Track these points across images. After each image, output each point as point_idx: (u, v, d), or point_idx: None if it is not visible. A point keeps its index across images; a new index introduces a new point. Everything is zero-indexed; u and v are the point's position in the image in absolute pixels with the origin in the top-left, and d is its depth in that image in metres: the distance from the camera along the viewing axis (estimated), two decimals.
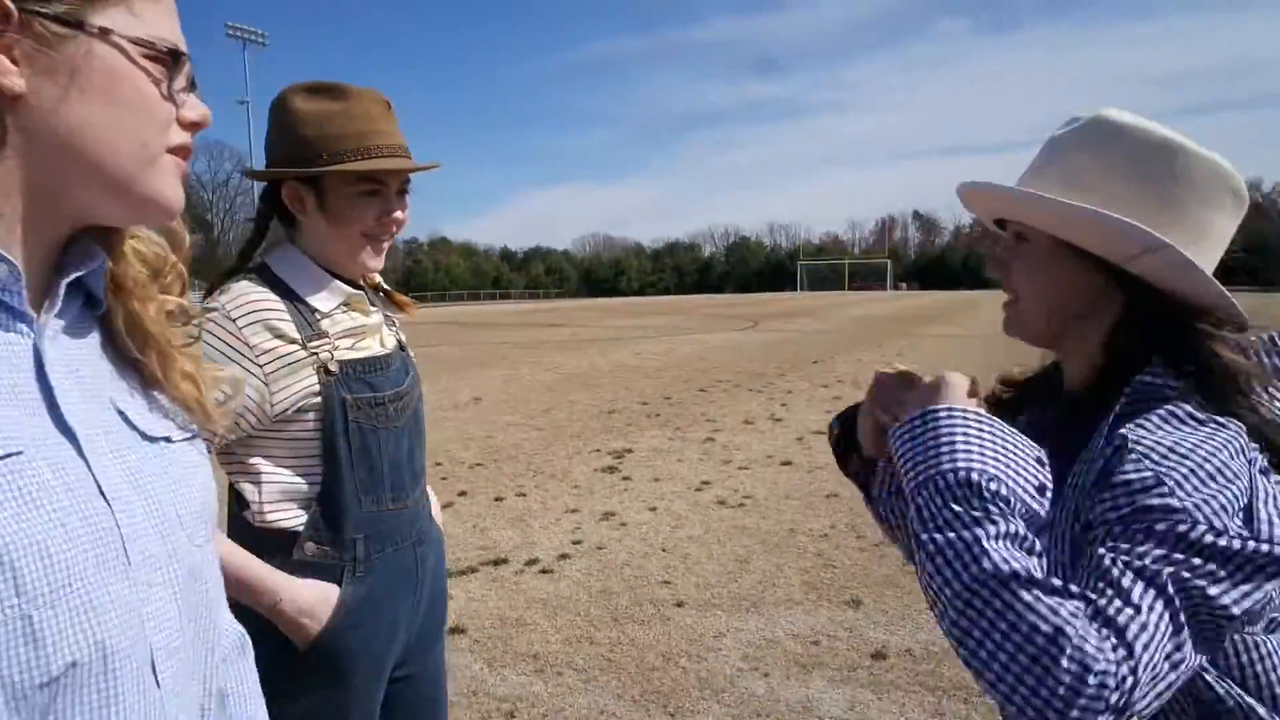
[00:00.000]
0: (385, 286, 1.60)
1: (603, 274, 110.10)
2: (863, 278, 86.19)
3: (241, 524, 1.34)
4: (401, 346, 1.53)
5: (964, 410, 0.91)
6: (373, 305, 1.48)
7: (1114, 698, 0.74)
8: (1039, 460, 0.89)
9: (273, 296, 1.33)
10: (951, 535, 0.82)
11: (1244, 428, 0.87)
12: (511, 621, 3.95)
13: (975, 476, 0.84)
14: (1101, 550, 0.82)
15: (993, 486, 0.84)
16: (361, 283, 1.49)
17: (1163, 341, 0.94)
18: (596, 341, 22.27)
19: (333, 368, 1.33)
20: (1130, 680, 0.74)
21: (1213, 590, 0.78)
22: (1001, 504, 0.83)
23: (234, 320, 1.27)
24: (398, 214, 1.40)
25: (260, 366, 1.28)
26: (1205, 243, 0.94)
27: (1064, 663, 0.74)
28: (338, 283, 1.41)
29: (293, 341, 1.31)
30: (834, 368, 14.24)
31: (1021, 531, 0.82)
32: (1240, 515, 0.80)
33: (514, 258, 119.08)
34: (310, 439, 1.34)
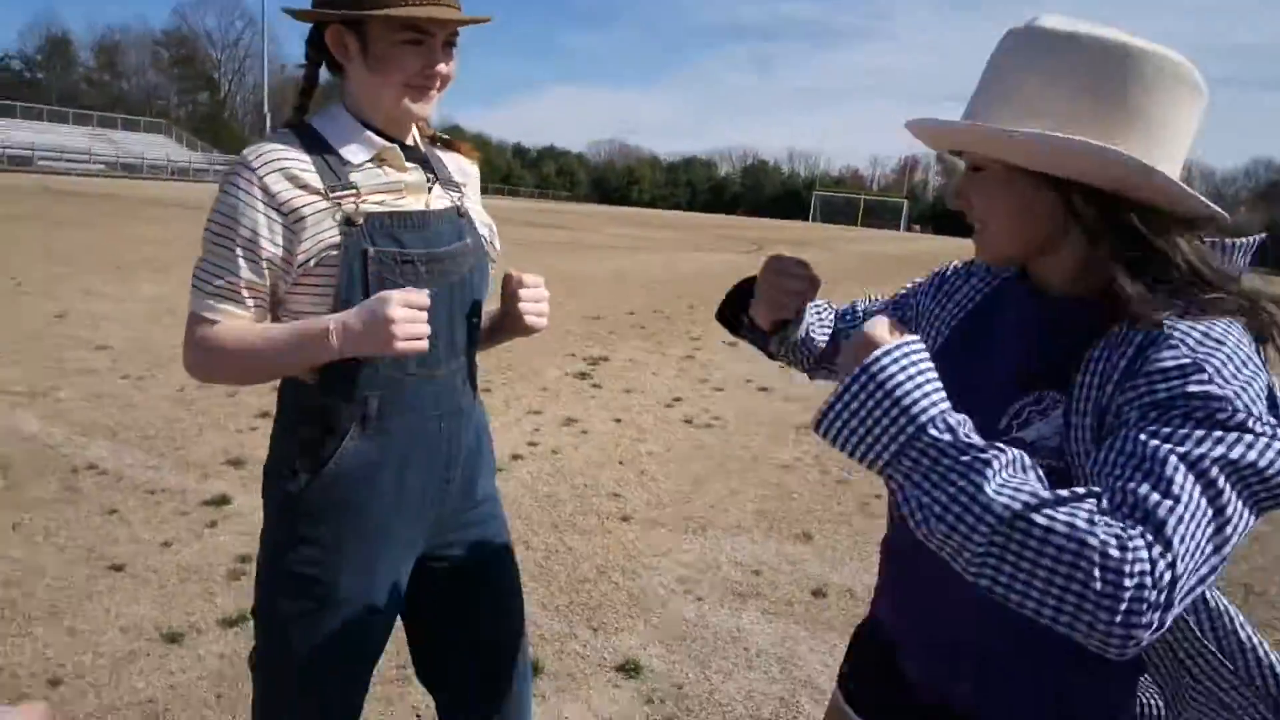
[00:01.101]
0: (444, 136, 1.54)
1: (615, 181, 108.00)
2: (878, 215, 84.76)
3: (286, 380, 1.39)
4: (459, 211, 1.45)
5: (899, 349, 0.85)
6: (412, 162, 1.40)
7: (1154, 595, 0.71)
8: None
9: (298, 148, 1.30)
10: (952, 491, 0.78)
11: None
12: None
13: (946, 421, 0.81)
14: (1139, 435, 0.79)
15: (966, 425, 0.82)
16: (414, 140, 1.43)
17: (1136, 248, 0.89)
18: (596, 248, 21.90)
19: (357, 219, 1.29)
20: (1169, 575, 0.71)
21: (1252, 474, 0.75)
22: (977, 435, 0.81)
23: (254, 170, 1.25)
24: (441, 66, 1.32)
25: (281, 215, 1.26)
26: (1167, 144, 0.89)
27: (1096, 576, 0.71)
28: (372, 135, 1.35)
29: (315, 191, 1.28)
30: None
31: (1009, 454, 0.79)
32: (1267, 403, 0.79)
33: (526, 154, 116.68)
34: (329, 293, 1.30)
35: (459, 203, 1.46)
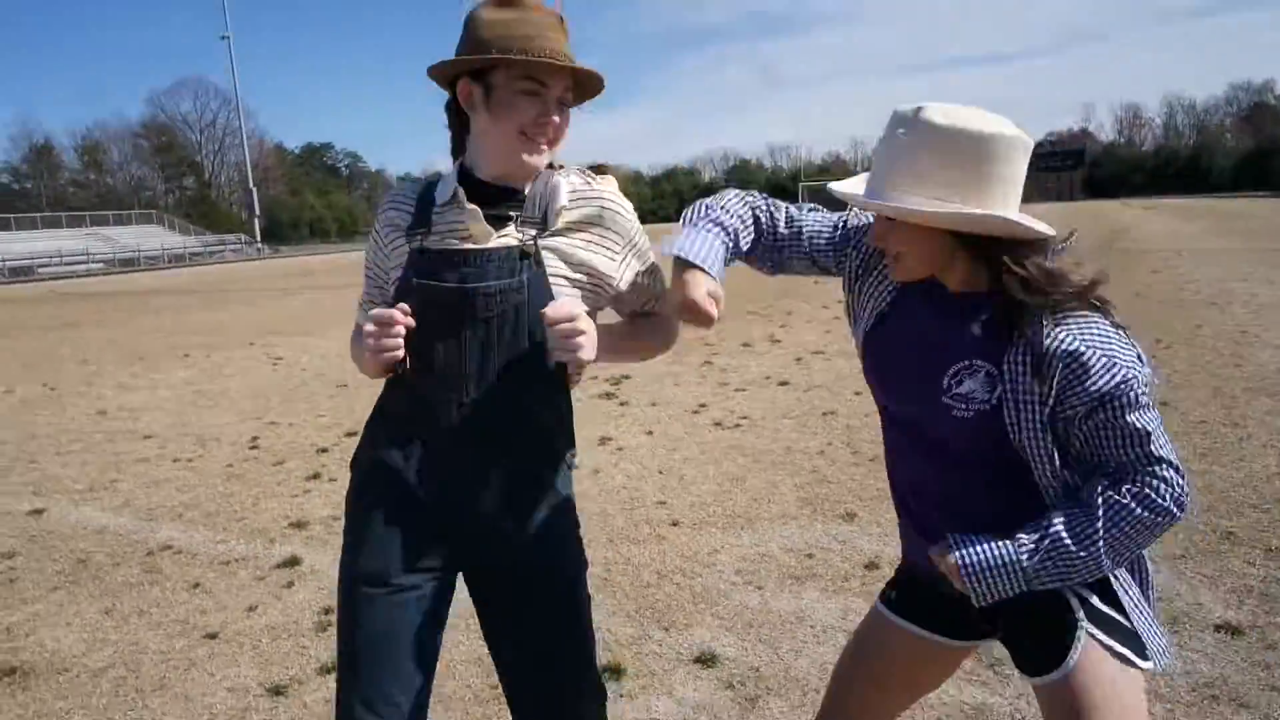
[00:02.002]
0: (591, 170, 1.63)
1: None
2: None
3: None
4: (522, 252, 1.49)
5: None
6: (504, 203, 1.51)
7: (1179, 493, 1.27)
8: None
9: (410, 195, 1.57)
10: (1074, 566, 1.31)
11: None
12: None
13: (1038, 548, 1.32)
14: (1128, 417, 1.25)
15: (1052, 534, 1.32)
16: (513, 184, 1.53)
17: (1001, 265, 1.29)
18: None
19: (417, 255, 1.51)
20: (1175, 474, 1.27)
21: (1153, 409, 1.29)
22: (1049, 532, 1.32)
23: (377, 212, 1.63)
24: (555, 118, 1.46)
25: (383, 249, 1.59)
26: (1012, 195, 1.29)
27: (1158, 522, 1.27)
28: (453, 181, 1.51)
29: (401, 230, 1.54)
30: (835, 288, 14.08)
31: (1057, 521, 1.30)
32: (1138, 358, 1.28)
33: None
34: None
35: (526, 242, 1.50)
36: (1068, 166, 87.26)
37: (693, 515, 4.26)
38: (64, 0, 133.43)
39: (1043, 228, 1.27)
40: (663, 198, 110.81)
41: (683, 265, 1.40)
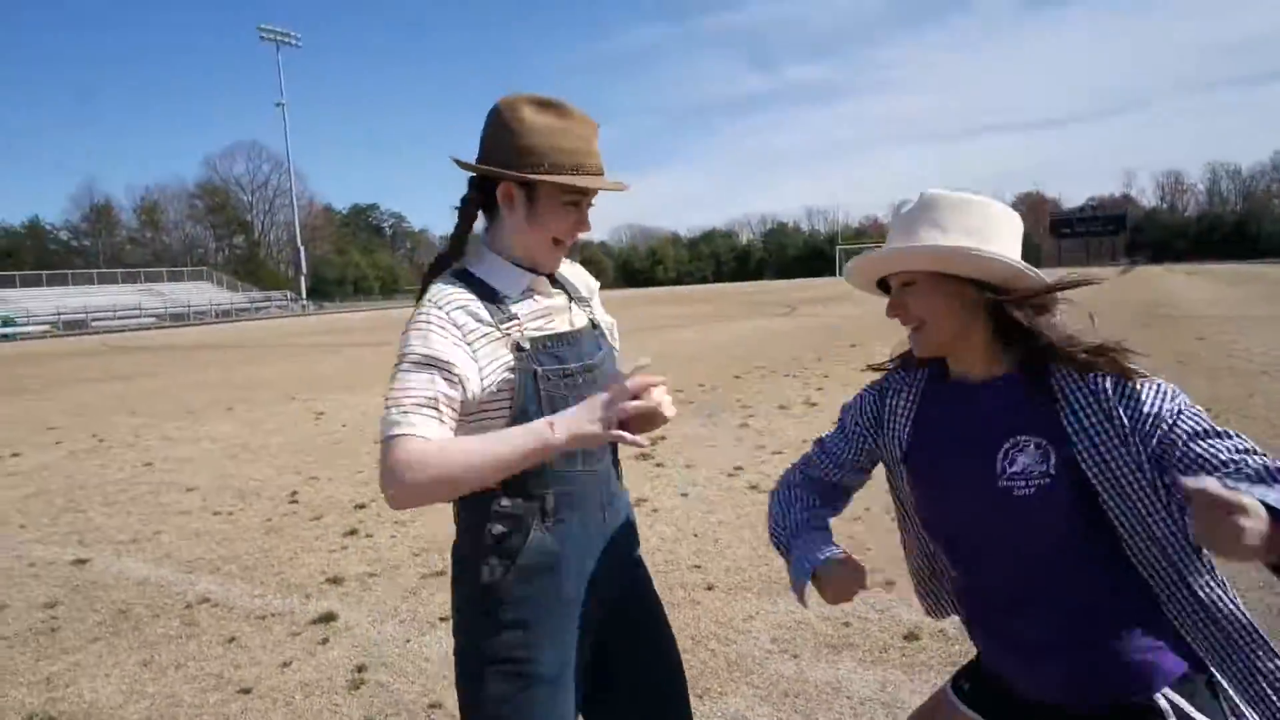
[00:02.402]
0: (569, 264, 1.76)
1: (639, 264, 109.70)
2: None
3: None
4: (594, 325, 1.68)
5: None
6: (556, 288, 1.63)
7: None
8: None
9: (469, 290, 1.51)
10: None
11: None
12: None
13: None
14: (1197, 439, 1.24)
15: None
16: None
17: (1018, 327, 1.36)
18: (632, 332, 22.28)
19: (524, 345, 1.50)
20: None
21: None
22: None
23: (442, 308, 1.45)
24: (587, 225, 1.58)
25: (469, 345, 1.45)
26: (1017, 250, 1.39)
27: None
28: (522, 271, 1.56)
29: (489, 324, 1.48)
30: (870, 351, 14.07)
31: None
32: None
33: None
34: (506, 409, 1.49)
35: (591, 316, 1.70)
36: (1109, 231, 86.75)
37: (728, 580, 4.22)
38: (131, 66, 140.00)
39: (1050, 282, 1.35)
40: (700, 259, 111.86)
41: (816, 576, 1.46)
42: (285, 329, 35.35)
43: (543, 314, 1.57)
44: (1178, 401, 1.27)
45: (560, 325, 1.59)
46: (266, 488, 6.61)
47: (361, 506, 5.88)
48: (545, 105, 1.49)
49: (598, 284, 1.81)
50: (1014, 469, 1.33)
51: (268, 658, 3.58)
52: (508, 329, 1.50)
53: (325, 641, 3.70)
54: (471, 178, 1.56)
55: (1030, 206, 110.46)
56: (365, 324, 35.00)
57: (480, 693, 1.51)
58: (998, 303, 1.34)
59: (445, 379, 1.40)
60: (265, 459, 7.74)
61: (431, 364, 1.40)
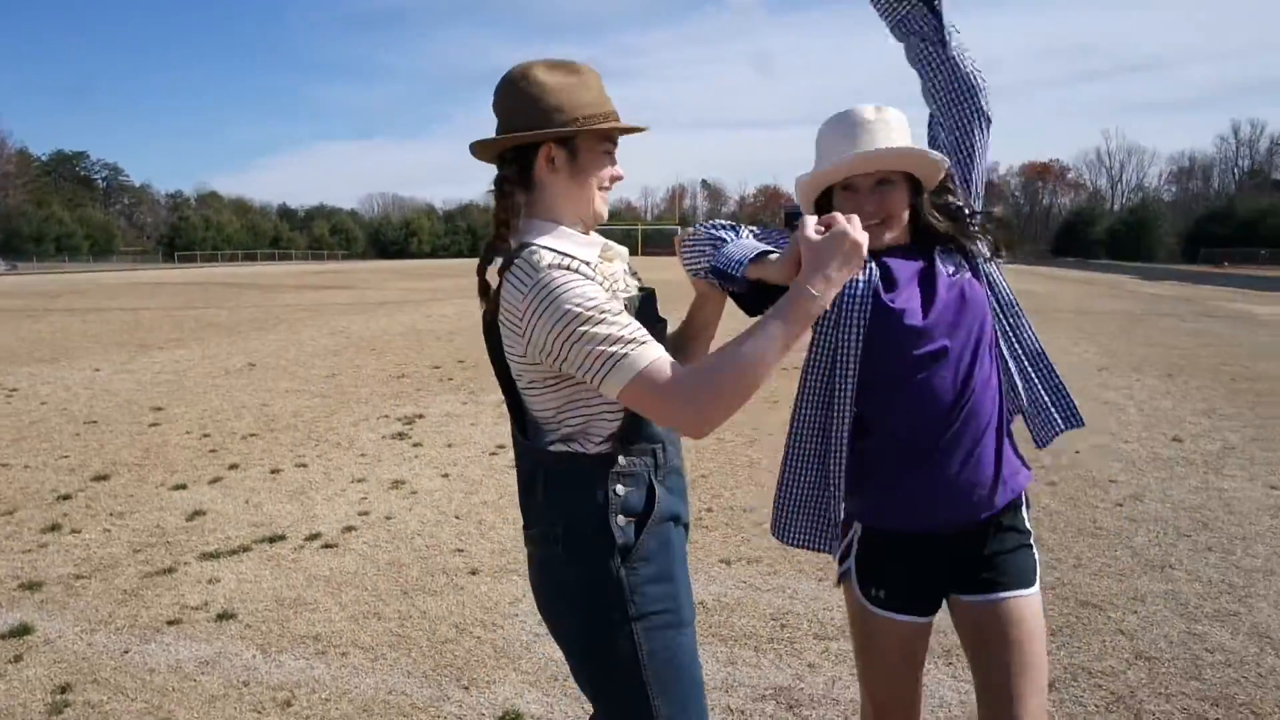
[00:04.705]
0: None
1: (392, 235, 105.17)
2: (656, 242, 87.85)
3: (565, 457, 1.50)
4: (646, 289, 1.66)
5: None
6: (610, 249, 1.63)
7: None
8: None
9: (581, 262, 1.46)
10: None
11: None
12: (289, 602, 3.65)
13: None
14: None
15: None
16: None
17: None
18: (385, 305, 21.33)
19: (630, 307, 1.50)
20: None
21: None
22: None
23: (569, 269, 1.40)
24: (620, 170, 1.60)
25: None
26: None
27: None
28: (588, 237, 1.57)
29: (604, 287, 1.45)
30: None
31: None
32: None
33: (294, 216, 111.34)
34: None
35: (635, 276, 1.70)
36: None
37: (493, 562, 4.10)
38: None
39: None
40: (457, 233, 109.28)
41: (757, 261, 1.56)
42: None
43: (617, 277, 1.58)
44: (996, 269, 1.75)
45: (633, 287, 1.61)
46: None
47: (66, 498, 5.09)
48: (555, 65, 1.51)
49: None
50: (955, 278, 1.67)
51: None
52: (610, 291, 1.48)
53: (18, 659, 3.15)
54: (501, 157, 1.54)
55: (768, 198, 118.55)
56: (70, 288, 30.70)
57: (636, 647, 1.48)
58: (918, 202, 1.67)
59: (627, 318, 1.39)
60: None
61: (608, 311, 1.37)
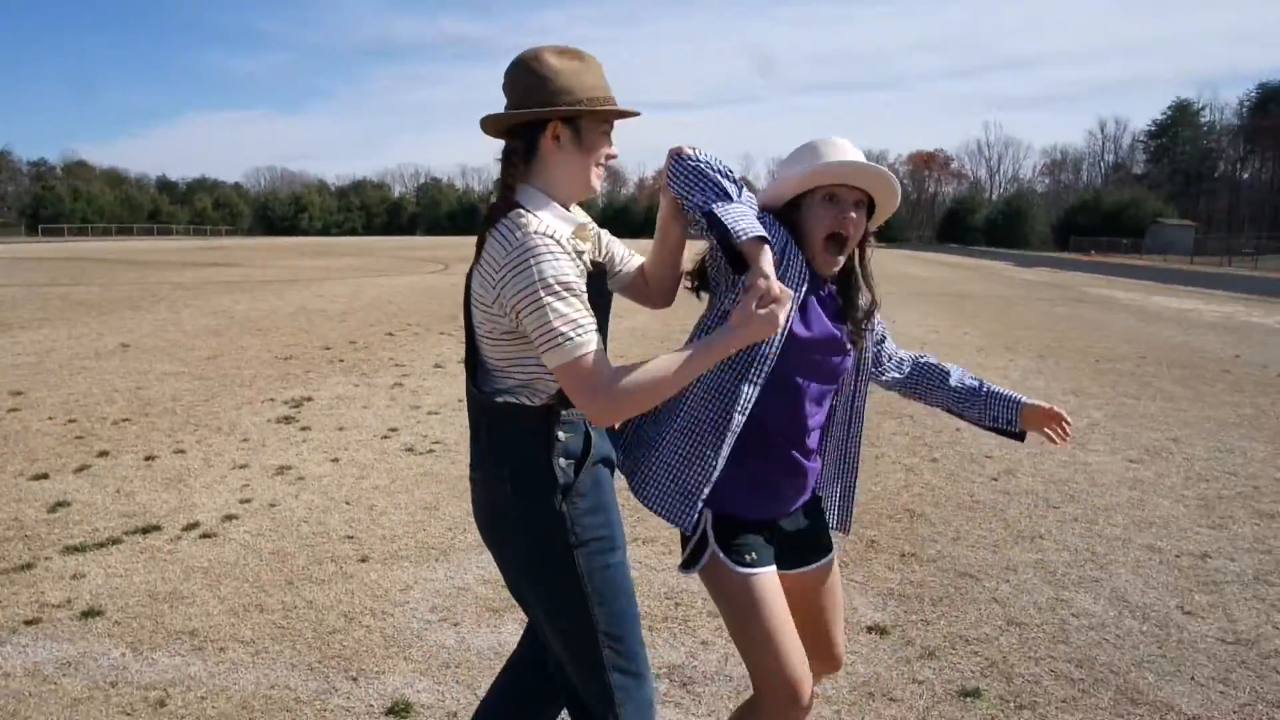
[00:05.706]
0: None
1: (281, 211, 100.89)
2: None
3: (510, 407, 1.68)
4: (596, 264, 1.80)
5: None
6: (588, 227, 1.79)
7: None
8: None
9: (558, 235, 1.60)
10: None
11: None
12: (163, 596, 3.46)
13: None
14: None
15: None
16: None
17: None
18: (272, 283, 20.50)
19: (592, 272, 1.68)
20: None
21: None
22: None
23: (554, 239, 1.57)
24: (615, 149, 1.76)
25: (579, 270, 1.62)
26: None
27: None
28: (575, 212, 1.75)
29: (575, 255, 1.62)
30: None
31: None
32: None
33: (175, 189, 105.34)
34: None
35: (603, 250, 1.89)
36: None
37: (383, 549, 3.99)
38: None
39: None
40: (349, 210, 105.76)
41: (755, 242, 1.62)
42: None
43: (582, 253, 1.69)
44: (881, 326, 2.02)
45: (588, 265, 1.71)
46: None
47: None
48: (563, 51, 1.67)
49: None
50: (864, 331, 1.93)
51: None
52: (580, 258, 1.64)
53: None
54: (510, 131, 1.70)
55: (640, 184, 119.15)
56: None
57: (578, 570, 1.70)
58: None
59: (585, 304, 1.57)
60: None
61: (573, 290, 1.54)
